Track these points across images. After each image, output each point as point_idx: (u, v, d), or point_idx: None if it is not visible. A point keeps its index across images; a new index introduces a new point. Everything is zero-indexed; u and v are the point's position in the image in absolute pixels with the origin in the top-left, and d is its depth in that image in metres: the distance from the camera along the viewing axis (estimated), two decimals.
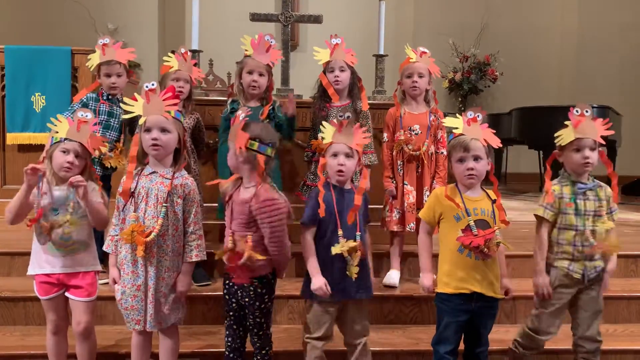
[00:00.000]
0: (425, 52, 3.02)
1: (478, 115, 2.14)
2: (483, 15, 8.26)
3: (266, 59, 2.93)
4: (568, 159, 2.27)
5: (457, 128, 2.16)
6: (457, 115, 2.20)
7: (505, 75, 8.32)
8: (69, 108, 2.94)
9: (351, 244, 2.15)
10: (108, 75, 2.94)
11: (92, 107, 2.91)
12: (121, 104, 2.27)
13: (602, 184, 2.33)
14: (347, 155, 2.19)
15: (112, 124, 2.96)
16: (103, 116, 2.92)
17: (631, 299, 3.04)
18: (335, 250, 2.15)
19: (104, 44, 2.91)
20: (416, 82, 3.00)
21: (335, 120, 2.24)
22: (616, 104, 6.30)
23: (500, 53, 8.27)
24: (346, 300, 2.24)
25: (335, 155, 2.20)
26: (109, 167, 2.89)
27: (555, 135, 2.28)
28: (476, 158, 2.12)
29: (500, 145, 2.21)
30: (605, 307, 2.97)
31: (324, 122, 2.29)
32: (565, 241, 2.28)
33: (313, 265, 2.19)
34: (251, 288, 2.15)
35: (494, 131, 2.19)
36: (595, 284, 2.31)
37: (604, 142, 2.24)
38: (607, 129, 2.24)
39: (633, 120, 7.35)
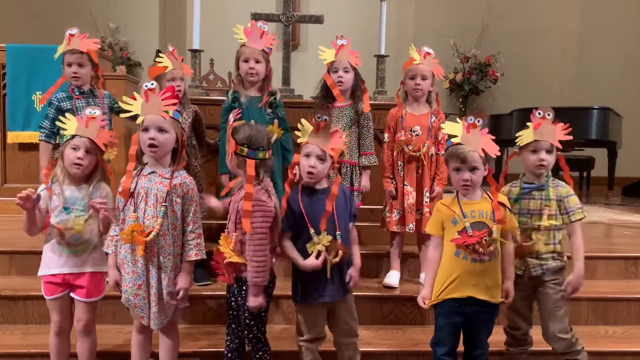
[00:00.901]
0: (429, 53, 3.01)
1: (478, 121, 2.13)
2: (484, 16, 8.27)
3: (260, 45, 2.93)
4: (525, 159, 2.33)
5: (456, 136, 2.15)
6: (458, 119, 2.19)
7: (506, 76, 8.32)
8: (47, 114, 2.90)
9: (326, 240, 2.13)
10: (69, 65, 2.88)
11: (69, 107, 2.87)
12: (121, 104, 2.23)
13: (560, 183, 2.34)
14: (320, 158, 2.16)
15: None
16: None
17: (631, 301, 3.04)
18: (310, 248, 2.14)
19: (71, 34, 2.86)
20: (419, 84, 2.99)
21: (313, 120, 2.21)
22: (617, 106, 6.31)
23: (501, 54, 8.28)
24: (332, 301, 2.23)
25: (307, 155, 2.18)
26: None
27: (516, 135, 2.34)
28: (472, 169, 2.12)
29: (499, 154, 2.23)
30: (604, 308, 3.03)
31: (302, 120, 2.25)
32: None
33: (294, 255, 2.18)
34: (243, 289, 2.16)
35: (494, 137, 2.18)
36: (549, 282, 2.32)
37: (560, 147, 2.29)
38: (566, 134, 2.28)
39: (634, 122, 7.35)
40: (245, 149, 2.09)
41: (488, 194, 2.21)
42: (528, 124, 2.31)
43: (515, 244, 2.27)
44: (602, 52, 8.32)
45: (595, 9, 8.36)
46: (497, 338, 2.45)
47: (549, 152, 2.28)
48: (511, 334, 2.46)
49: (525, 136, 2.31)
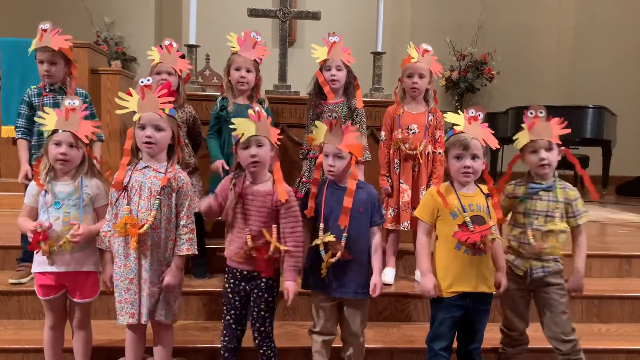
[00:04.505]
0: (427, 51, 3.01)
1: (479, 115, 2.15)
2: (480, 14, 8.28)
3: (253, 55, 2.94)
4: (527, 161, 2.30)
5: (458, 125, 2.16)
6: (459, 112, 2.21)
7: (502, 74, 8.34)
8: (19, 112, 2.87)
9: (327, 237, 2.16)
10: (41, 62, 2.83)
11: (36, 103, 2.85)
12: (117, 100, 2.18)
13: (568, 185, 2.33)
14: (337, 156, 2.20)
15: None
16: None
17: (624, 299, 3.06)
18: (315, 241, 2.19)
19: (43, 30, 2.78)
20: (416, 83, 2.99)
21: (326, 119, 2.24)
22: (612, 104, 6.33)
23: (497, 52, 8.29)
24: (339, 297, 2.25)
25: (326, 155, 2.22)
26: None
27: (513, 138, 2.31)
28: (474, 157, 2.13)
29: (498, 147, 2.23)
30: (598, 306, 3.04)
31: (317, 121, 2.29)
32: (513, 237, 2.33)
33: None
34: (263, 280, 2.17)
35: (493, 131, 2.20)
36: (550, 285, 2.31)
37: (559, 142, 2.26)
38: (564, 128, 2.25)
39: (629, 121, 7.38)
40: None
41: (480, 188, 2.22)
42: (523, 125, 2.28)
43: (530, 245, 2.25)
44: (598, 50, 8.34)
45: (591, 7, 8.38)
46: (491, 335, 2.46)
47: (548, 150, 2.25)
48: (508, 334, 2.45)
49: (521, 138, 2.28)
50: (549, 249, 2.25)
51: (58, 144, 2.14)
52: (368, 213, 2.25)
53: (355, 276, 2.22)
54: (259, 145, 2.10)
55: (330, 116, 2.22)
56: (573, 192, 2.32)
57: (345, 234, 2.18)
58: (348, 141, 2.19)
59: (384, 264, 3.15)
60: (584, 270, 2.32)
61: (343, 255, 2.17)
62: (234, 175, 2.19)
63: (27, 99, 2.87)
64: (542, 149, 2.24)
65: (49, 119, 2.16)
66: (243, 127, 2.10)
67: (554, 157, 2.26)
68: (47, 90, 2.89)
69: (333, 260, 2.16)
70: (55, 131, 2.15)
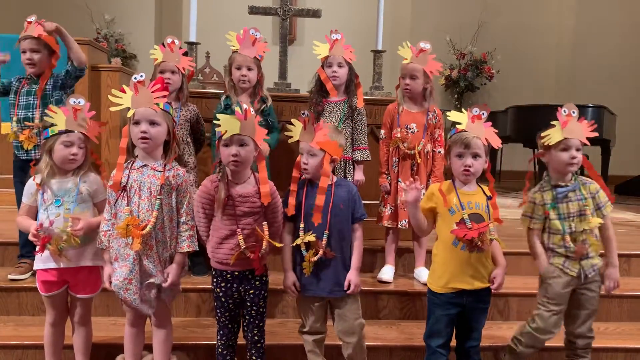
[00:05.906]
0: (424, 50, 2.96)
1: (483, 113, 2.16)
2: (481, 13, 8.27)
3: (253, 53, 2.93)
4: (554, 158, 2.28)
5: (460, 123, 2.17)
6: (463, 110, 2.21)
7: (502, 73, 8.33)
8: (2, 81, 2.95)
9: (308, 237, 2.16)
10: (24, 52, 2.86)
11: (14, 89, 2.91)
12: (111, 98, 2.16)
13: (587, 180, 2.33)
14: (311, 154, 2.20)
15: (31, 102, 2.88)
16: (24, 97, 2.88)
17: (623, 298, 3.06)
18: (296, 241, 2.20)
19: (28, 22, 2.84)
20: (408, 84, 2.99)
21: (301, 117, 2.26)
22: (611, 104, 6.32)
23: (497, 51, 8.29)
24: (325, 297, 2.26)
25: (301, 153, 2.24)
26: (29, 149, 2.87)
27: (542, 135, 2.29)
28: (475, 156, 2.13)
29: (501, 146, 2.23)
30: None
31: (292, 120, 2.30)
32: (555, 245, 2.30)
33: (285, 261, 2.27)
34: (257, 278, 2.19)
35: (496, 131, 2.20)
36: (594, 282, 2.32)
37: (588, 144, 2.27)
38: (592, 131, 2.26)
39: (628, 121, 7.38)
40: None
41: (482, 187, 2.22)
42: (554, 122, 2.27)
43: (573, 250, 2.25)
44: (598, 50, 8.33)
45: (591, 7, 8.37)
46: (489, 333, 2.47)
47: (578, 149, 2.25)
48: (538, 339, 2.37)
49: (553, 135, 2.26)
50: (592, 248, 2.26)
51: (69, 145, 2.14)
52: (349, 209, 2.25)
53: (340, 274, 2.23)
54: (242, 145, 2.08)
55: (303, 114, 2.23)
56: (593, 185, 2.32)
57: (326, 232, 2.19)
58: (320, 138, 2.20)
59: (383, 262, 3.18)
60: (617, 261, 2.33)
61: (326, 253, 2.17)
62: (218, 172, 2.16)
63: (14, 81, 2.94)
64: (573, 148, 2.24)
65: (57, 118, 2.15)
66: (227, 125, 2.08)
67: (581, 157, 2.26)
68: (27, 79, 2.93)
69: (315, 258, 2.17)
70: (62, 131, 2.14)
